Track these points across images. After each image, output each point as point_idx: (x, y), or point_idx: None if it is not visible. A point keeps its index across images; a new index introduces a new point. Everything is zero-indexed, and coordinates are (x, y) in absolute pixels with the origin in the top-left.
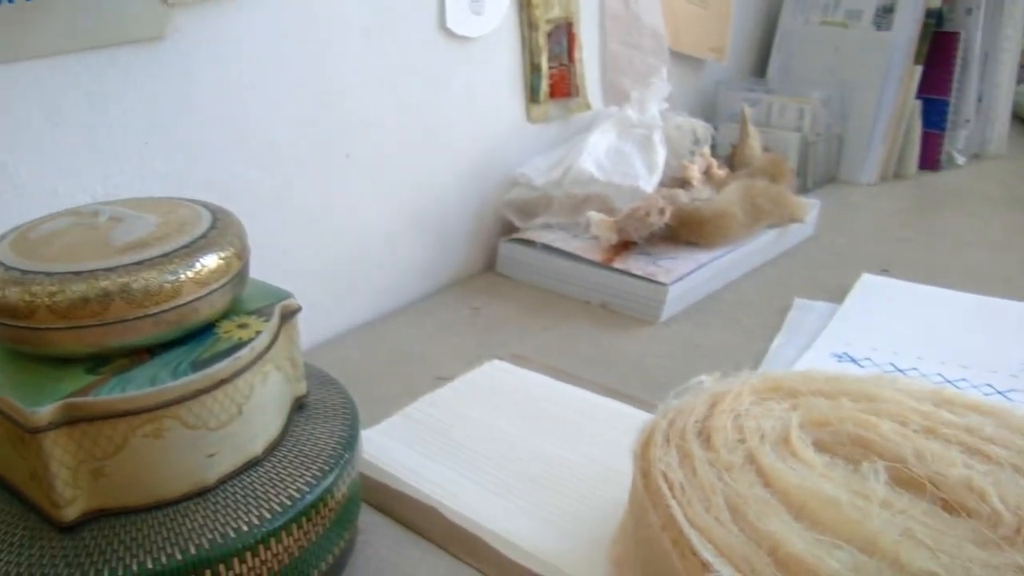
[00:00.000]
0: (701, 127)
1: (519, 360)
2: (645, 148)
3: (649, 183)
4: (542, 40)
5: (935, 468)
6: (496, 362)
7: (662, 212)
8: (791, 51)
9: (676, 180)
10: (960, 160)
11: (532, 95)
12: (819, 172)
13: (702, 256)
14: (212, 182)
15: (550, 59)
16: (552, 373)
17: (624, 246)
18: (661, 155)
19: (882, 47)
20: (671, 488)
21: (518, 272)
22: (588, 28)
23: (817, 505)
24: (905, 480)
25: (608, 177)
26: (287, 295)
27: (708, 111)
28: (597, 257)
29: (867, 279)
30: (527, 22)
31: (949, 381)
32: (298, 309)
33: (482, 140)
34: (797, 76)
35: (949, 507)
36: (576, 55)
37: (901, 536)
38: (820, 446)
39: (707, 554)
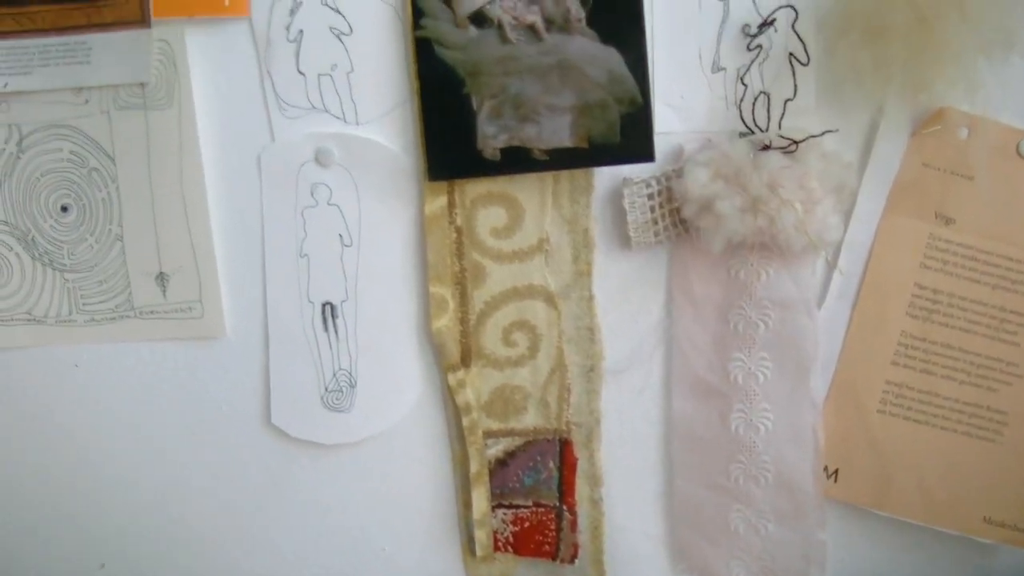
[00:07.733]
0: None
1: None
2: None
3: None
4: (479, 462)
5: None
6: None
7: None
8: None
9: None
10: None
11: (470, 544)
12: None
13: None
14: None
15: (509, 493)
16: None
17: None
18: None
19: None
20: None
21: None
22: (614, 440)
23: None
24: None
25: None
26: None
27: None
28: None
29: None
30: (455, 429)
31: None
32: None
33: None
34: None
35: None
36: (577, 492)
37: None
38: None
39: None
